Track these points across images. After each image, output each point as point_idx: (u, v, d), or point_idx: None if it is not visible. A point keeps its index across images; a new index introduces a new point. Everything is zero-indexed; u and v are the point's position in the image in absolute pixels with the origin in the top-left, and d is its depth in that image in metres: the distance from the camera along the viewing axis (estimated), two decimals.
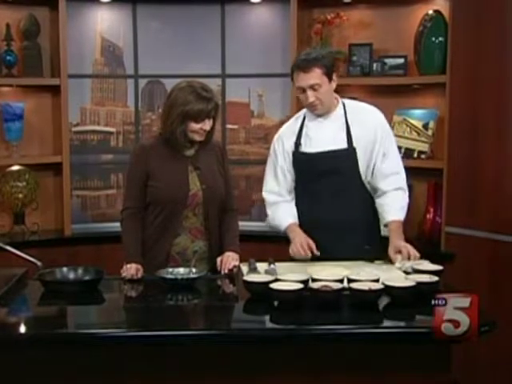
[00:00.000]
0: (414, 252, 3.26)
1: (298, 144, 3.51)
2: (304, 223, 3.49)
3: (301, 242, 3.38)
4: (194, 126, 3.29)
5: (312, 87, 3.36)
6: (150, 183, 3.34)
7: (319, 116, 3.48)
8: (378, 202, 3.49)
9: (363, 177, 3.47)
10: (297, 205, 3.55)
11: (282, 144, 3.56)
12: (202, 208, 3.37)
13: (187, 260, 3.33)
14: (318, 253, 3.37)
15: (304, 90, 3.39)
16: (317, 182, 3.46)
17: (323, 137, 3.47)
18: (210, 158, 3.44)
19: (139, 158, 3.38)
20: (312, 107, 3.44)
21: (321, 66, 3.36)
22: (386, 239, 3.38)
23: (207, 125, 3.31)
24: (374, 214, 3.51)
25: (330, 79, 3.40)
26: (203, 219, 3.39)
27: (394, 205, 3.46)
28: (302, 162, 3.49)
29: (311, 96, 3.38)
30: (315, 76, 3.35)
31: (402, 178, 3.54)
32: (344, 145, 3.45)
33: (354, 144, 3.44)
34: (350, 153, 3.44)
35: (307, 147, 3.49)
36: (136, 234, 3.36)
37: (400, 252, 3.27)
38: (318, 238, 3.39)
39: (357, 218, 3.47)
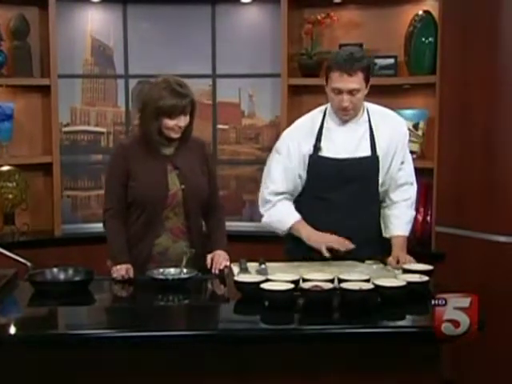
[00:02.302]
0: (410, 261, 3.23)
1: (317, 147, 3.34)
2: (321, 230, 3.33)
3: (336, 238, 3.25)
4: (169, 122, 3.25)
5: (351, 92, 3.20)
6: (129, 183, 3.31)
7: (343, 121, 3.34)
8: (386, 212, 3.43)
9: (380, 186, 3.37)
10: (307, 212, 3.39)
11: (299, 147, 3.36)
12: (183, 208, 3.34)
13: (168, 260, 3.31)
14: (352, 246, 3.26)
15: (339, 93, 3.22)
16: (334, 189, 3.33)
17: (347, 142, 3.33)
18: (190, 156, 3.39)
19: (118, 158, 3.36)
20: (344, 112, 3.28)
21: (363, 69, 3.21)
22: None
23: (182, 121, 3.26)
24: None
25: (367, 84, 3.26)
26: (184, 219, 3.36)
27: (402, 218, 3.41)
28: (322, 167, 3.34)
29: (347, 101, 3.22)
30: (357, 80, 3.19)
31: (414, 190, 3.48)
32: (367, 152, 3.33)
33: (378, 152, 3.33)
34: (373, 161, 3.33)
35: (329, 152, 3.33)
36: (121, 234, 3.33)
37: (398, 262, 3.23)
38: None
39: (373, 229, 3.39)
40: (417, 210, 4.40)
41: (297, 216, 3.39)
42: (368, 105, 3.43)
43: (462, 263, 4.11)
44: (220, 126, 5.02)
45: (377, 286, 2.77)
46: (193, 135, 3.44)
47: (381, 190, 3.40)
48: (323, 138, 3.35)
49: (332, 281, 2.85)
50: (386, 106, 4.37)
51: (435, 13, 4.34)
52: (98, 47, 4.90)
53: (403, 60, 4.55)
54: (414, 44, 4.42)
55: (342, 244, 3.25)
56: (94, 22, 4.87)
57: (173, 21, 4.88)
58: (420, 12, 4.44)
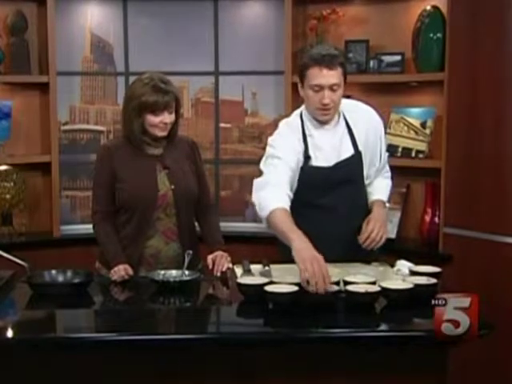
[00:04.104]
0: (380, 233, 3.15)
1: (306, 157, 3.25)
2: (316, 237, 3.13)
3: (314, 268, 2.74)
4: (153, 119, 3.21)
5: (332, 87, 3.13)
6: (117, 186, 3.27)
7: (323, 123, 3.26)
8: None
9: (365, 179, 3.34)
10: (301, 221, 3.18)
11: (297, 156, 3.23)
12: (174, 208, 3.30)
13: (161, 263, 3.28)
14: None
15: (320, 89, 3.14)
16: (325, 194, 3.26)
17: (333, 147, 3.27)
18: (179, 155, 3.36)
19: (104, 160, 3.32)
20: (324, 111, 3.19)
21: (342, 64, 3.15)
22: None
23: (167, 118, 3.23)
24: None
25: (345, 82, 3.20)
26: (176, 220, 3.32)
27: (380, 186, 3.39)
28: (312, 176, 3.26)
29: (328, 97, 3.14)
30: (337, 75, 3.13)
31: (388, 168, 3.50)
32: (350, 151, 3.28)
33: (360, 148, 3.28)
34: (357, 158, 3.28)
35: (319, 161, 3.25)
36: (113, 236, 3.30)
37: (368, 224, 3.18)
38: (332, 251, 3.10)
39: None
40: (424, 210, 4.46)
41: (280, 204, 3.04)
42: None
43: (470, 265, 4.05)
44: (222, 125, 4.96)
45: (383, 289, 2.74)
46: (182, 134, 3.43)
47: (366, 182, 3.37)
48: (310, 146, 3.27)
49: (337, 283, 2.82)
50: (392, 104, 4.36)
51: (443, 8, 4.26)
52: (98, 44, 4.85)
53: (410, 57, 4.47)
54: (422, 40, 4.34)
55: (320, 283, 2.73)
56: (94, 17, 4.82)
57: (174, 17, 4.82)
58: (428, 7, 4.36)
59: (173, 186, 3.29)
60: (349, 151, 3.28)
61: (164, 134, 3.26)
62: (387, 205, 3.43)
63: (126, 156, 3.29)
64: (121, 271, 3.16)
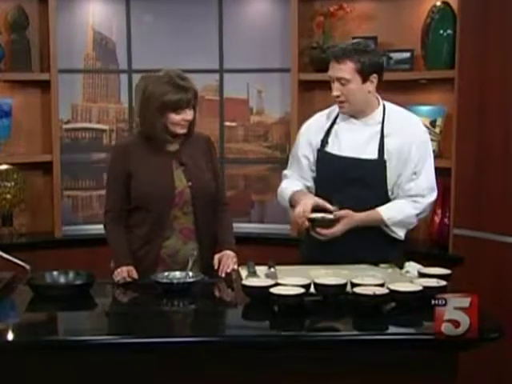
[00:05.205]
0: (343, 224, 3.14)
1: (324, 142, 3.29)
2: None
3: (299, 210, 3.13)
4: (175, 117, 3.17)
5: (339, 80, 3.16)
6: (132, 184, 3.23)
7: (353, 116, 3.26)
8: None
9: (389, 192, 3.24)
10: None
11: (309, 136, 3.34)
12: (191, 206, 3.25)
13: (178, 263, 3.22)
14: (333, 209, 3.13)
15: (332, 81, 3.20)
16: (338, 190, 3.21)
17: (354, 141, 3.24)
18: (195, 152, 3.31)
19: (118, 159, 3.28)
20: (338, 102, 3.23)
21: (356, 60, 3.13)
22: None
23: (188, 115, 3.20)
24: None
25: (365, 79, 3.16)
26: (193, 218, 3.26)
27: (394, 205, 3.24)
28: (325, 163, 3.27)
29: (336, 89, 3.18)
30: (345, 70, 3.14)
31: (426, 201, 3.28)
32: (374, 155, 3.21)
33: (386, 156, 3.20)
34: (379, 164, 3.20)
35: (334, 148, 3.26)
36: (122, 236, 3.27)
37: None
38: (337, 252, 3.15)
39: (379, 233, 3.25)
40: (434, 211, 4.36)
41: (298, 187, 3.31)
42: (388, 105, 3.32)
43: (481, 266, 4.01)
44: (227, 124, 4.93)
45: (391, 291, 2.70)
46: (197, 130, 3.38)
47: (392, 197, 3.27)
48: (332, 133, 3.31)
49: (345, 285, 2.78)
50: (401, 102, 4.27)
51: (454, 4, 4.22)
52: (100, 41, 4.82)
53: (420, 54, 4.43)
54: (432, 37, 4.29)
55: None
56: (96, 14, 4.79)
57: (178, 13, 4.78)
58: (438, 3, 4.31)
59: (190, 183, 3.25)
60: (372, 154, 3.22)
61: (185, 131, 3.24)
62: (399, 233, 3.28)
63: (141, 154, 3.26)
64: (124, 273, 3.12)
